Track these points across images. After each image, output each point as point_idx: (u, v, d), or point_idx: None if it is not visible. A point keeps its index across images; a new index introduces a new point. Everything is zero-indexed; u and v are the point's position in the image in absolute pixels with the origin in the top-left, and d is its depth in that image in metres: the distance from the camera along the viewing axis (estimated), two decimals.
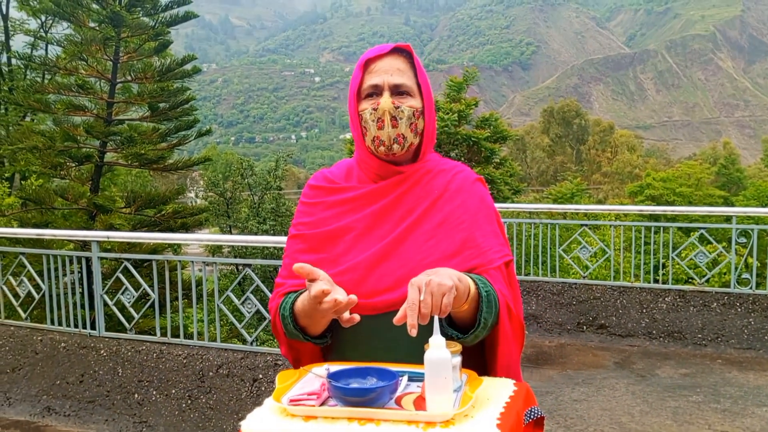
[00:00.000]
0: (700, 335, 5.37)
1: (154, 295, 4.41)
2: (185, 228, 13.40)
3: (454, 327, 1.49)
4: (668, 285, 5.76)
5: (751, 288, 5.38)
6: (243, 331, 4.27)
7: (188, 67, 12.46)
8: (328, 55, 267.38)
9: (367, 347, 1.57)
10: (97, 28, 11.63)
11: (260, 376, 4.01)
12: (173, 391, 4.17)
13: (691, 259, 5.78)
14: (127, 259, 4.55)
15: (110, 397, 4.30)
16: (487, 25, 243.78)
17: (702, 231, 5.64)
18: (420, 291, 1.30)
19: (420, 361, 1.50)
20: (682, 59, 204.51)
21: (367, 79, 1.59)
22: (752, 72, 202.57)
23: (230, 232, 22.93)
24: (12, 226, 10.19)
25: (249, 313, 4.18)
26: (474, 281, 1.44)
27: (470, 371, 1.46)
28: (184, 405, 4.11)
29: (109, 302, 4.58)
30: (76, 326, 4.70)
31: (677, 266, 5.94)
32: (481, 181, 1.69)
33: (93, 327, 4.62)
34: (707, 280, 5.65)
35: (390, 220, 1.60)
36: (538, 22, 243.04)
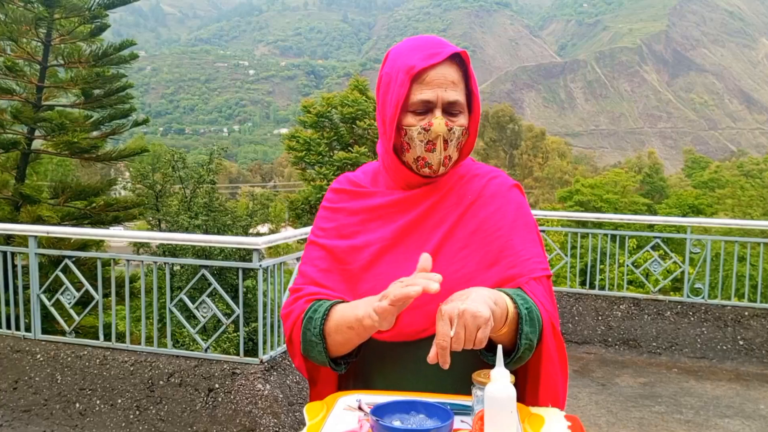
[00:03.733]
0: (654, 344, 5.41)
1: (98, 297, 4.07)
2: (117, 222, 12.79)
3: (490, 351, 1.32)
4: (623, 293, 5.80)
5: (703, 298, 5.46)
6: (197, 337, 3.99)
7: (125, 53, 11.89)
8: (264, 48, 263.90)
9: (396, 375, 1.40)
10: (28, 7, 10.92)
11: (216, 385, 3.74)
12: (119, 401, 3.85)
13: (645, 267, 5.84)
14: (69, 257, 4.19)
15: (48, 406, 3.94)
16: (424, 27, 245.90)
17: (657, 240, 5.70)
18: (451, 323, 1.13)
19: (453, 389, 1.34)
20: (610, 70, 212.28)
21: (417, 92, 1.37)
22: (675, 85, 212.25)
23: (159, 226, 22.13)
24: None
25: (204, 317, 3.91)
26: (512, 299, 1.28)
27: (519, 404, 1.30)
28: (131, 416, 3.80)
29: (47, 303, 4.20)
30: (8, 327, 4.30)
31: (615, 271, 6.03)
32: (518, 187, 1.52)
33: (28, 329, 4.23)
34: (660, 289, 5.72)
35: (420, 232, 1.43)
36: (474, 27, 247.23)
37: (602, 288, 6.04)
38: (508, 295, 1.28)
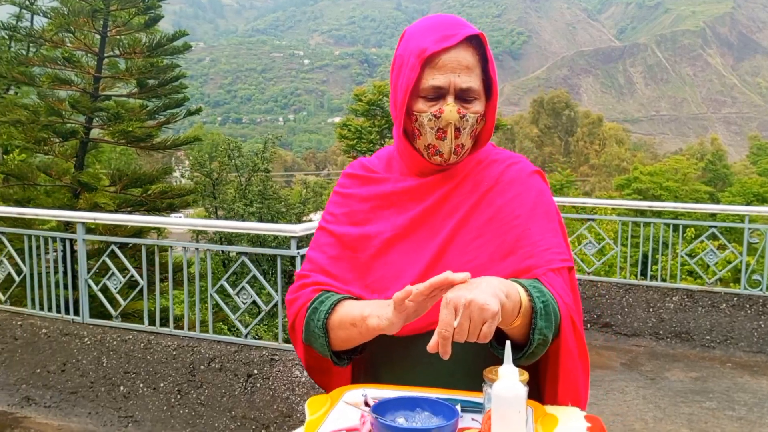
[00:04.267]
0: (708, 337, 5.20)
1: (142, 282, 4.15)
2: (172, 209, 13.08)
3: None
4: (676, 284, 5.58)
5: (761, 290, 5.21)
6: (238, 323, 4.03)
7: (179, 43, 12.08)
8: (318, 37, 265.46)
9: (404, 370, 1.35)
10: (87, 0, 11.21)
11: (255, 371, 3.77)
12: (161, 385, 3.93)
13: (700, 257, 5.60)
14: (115, 243, 4.28)
15: (94, 388, 4.05)
16: (478, 13, 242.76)
17: (713, 230, 5.46)
18: (456, 312, 1.06)
19: (465, 385, 1.28)
20: (672, 54, 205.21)
21: (428, 77, 1.30)
22: (740, 69, 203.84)
23: (216, 213, 22.61)
24: None
25: (244, 303, 3.93)
26: (527, 290, 1.20)
27: (534, 403, 1.23)
28: (173, 400, 3.87)
29: (95, 287, 4.31)
30: (58, 311, 4.43)
31: (668, 262, 5.78)
32: (540, 174, 1.44)
33: (76, 312, 4.35)
34: (718, 280, 5.48)
35: (433, 221, 1.36)
36: (530, 12, 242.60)
37: (656, 279, 5.84)
38: (522, 286, 1.21)
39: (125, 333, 4.17)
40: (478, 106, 1.33)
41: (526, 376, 1.14)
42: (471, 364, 1.28)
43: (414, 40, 1.32)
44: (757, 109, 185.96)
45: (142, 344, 4.08)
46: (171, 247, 4.39)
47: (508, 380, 1.06)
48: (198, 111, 13.02)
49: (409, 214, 1.37)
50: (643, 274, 5.87)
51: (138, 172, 11.91)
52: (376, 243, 1.37)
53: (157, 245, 4.48)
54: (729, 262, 5.97)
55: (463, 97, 1.31)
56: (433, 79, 1.29)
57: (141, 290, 4.27)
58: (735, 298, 5.26)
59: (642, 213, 7.58)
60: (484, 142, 1.39)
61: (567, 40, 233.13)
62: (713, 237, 5.52)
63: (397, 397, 1.17)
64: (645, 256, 5.89)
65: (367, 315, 1.21)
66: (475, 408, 1.22)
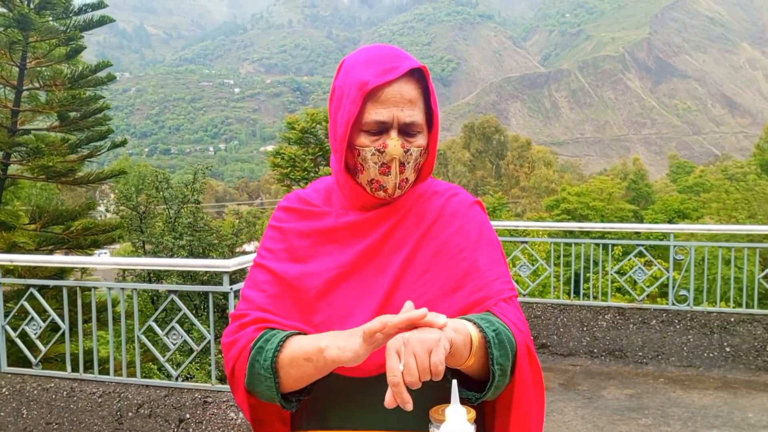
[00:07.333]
0: (640, 353, 5.32)
1: (64, 326, 3.92)
2: (97, 245, 12.61)
3: (465, 384, 1.20)
4: (607, 302, 5.71)
5: (688, 305, 5.38)
6: (167, 365, 3.85)
7: (102, 74, 11.75)
8: (249, 66, 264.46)
9: (353, 413, 1.28)
10: (2, 31, 10.79)
11: (187, 415, 3.60)
12: None
13: (630, 275, 5.75)
14: (34, 286, 4.05)
15: None
16: (409, 41, 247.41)
17: (640, 248, 5.62)
18: (399, 356, 1.02)
19: (416, 425, 1.23)
20: (594, 79, 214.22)
21: (371, 111, 1.25)
22: (658, 92, 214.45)
23: (143, 248, 21.91)
24: None
25: (174, 344, 3.77)
26: (476, 324, 1.16)
27: None
28: None
29: (12, 334, 4.05)
30: None
31: (599, 280, 5.93)
32: (479, 204, 1.42)
33: None
34: (647, 297, 5.63)
35: (379, 257, 1.31)
36: (458, 39, 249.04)
37: (588, 297, 5.95)
38: (470, 321, 1.17)
39: (46, 381, 3.92)
40: (421, 140, 1.30)
41: (473, 414, 1.10)
42: (421, 405, 1.23)
43: (354, 72, 1.28)
44: (675, 130, 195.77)
45: (65, 392, 3.85)
46: (93, 287, 4.18)
47: (456, 422, 1.02)
48: (123, 143, 12.65)
49: (353, 250, 1.32)
50: (576, 293, 5.98)
51: (60, 208, 11.45)
52: (319, 281, 1.30)
53: (80, 286, 4.26)
54: (656, 279, 6.16)
55: (406, 131, 1.27)
56: (376, 114, 1.25)
57: (63, 334, 4.04)
58: (664, 314, 5.41)
59: (571, 233, 7.75)
60: (427, 175, 1.36)
61: (495, 66, 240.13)
62: (640, 254, 5.69)
63: None
64: (576, 275, 6.02)
65: (324, 347, 1.14)
66: None
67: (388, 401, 1.02)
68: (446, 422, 1.02)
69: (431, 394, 1.20)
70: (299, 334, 1.24)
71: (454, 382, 1.04)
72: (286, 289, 1.31)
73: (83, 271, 13.19)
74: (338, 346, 1.12)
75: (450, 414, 1.02)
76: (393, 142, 1.26)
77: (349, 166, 1.32)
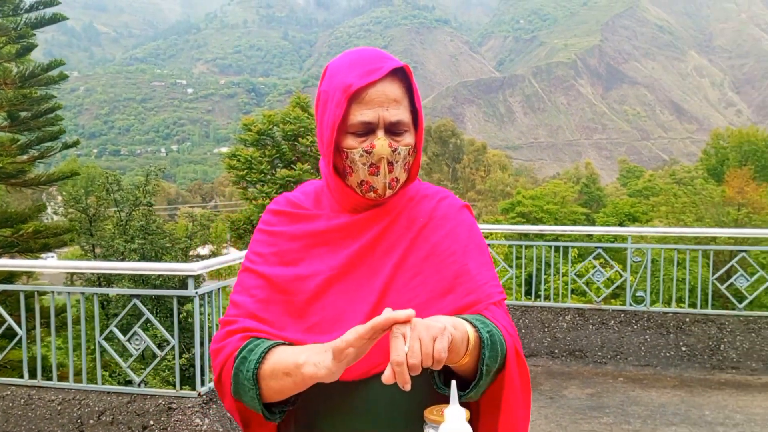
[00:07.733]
0: (600, 353, 5.43)
1: (21, 332, 3.80)
2: (47, 249, 12.26)
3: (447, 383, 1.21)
4: (567, 303, 5.82)
5: (645, 305, 5.52)
6: (129, 371, 3.77)
7: (54, 73, 11.45)
8: (202, 66, 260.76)
9: (343, 416, 1.27)
10: None
11: (151, 422, 3.53)
12: None
13: (588, 277, 5.87)
14: None
15: None
16: (365, 44, 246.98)
17: (599, 250, 5.75)
18: (405, 339, 1.03)
19: (406, 428, 1.23)
20: (547, 84, 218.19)
21: (356, 112, 1.26)
22: (609, 98, 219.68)
23: (93, 252, 21.35)
24: None
25: (137, 349, 3.69)
26: (472, 324, 1.18)
27: None
28: None
29: None
30: None
31: (559, 282, 6.05)
32: (468, 208, 1.44)
33: None
34: (603, 299, 5.76)
35: (371, 260, 1.32)
36: (415, 43, 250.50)
37: (547, 299, 6.06)
38: (467, 321, 1.19)
39: (2, 389, 3.80)
40: (408, 139, 1.30)
41: (468, 414, 1.11)
42: (410, 407, 1.23)
43: (338, 75, 1.29)
44: (625, 135, 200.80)
45: (23, 400, 3.73)
46: (52, 291, 4.06)
47: (456, 422, 1.02)
48: (76, 143, 12.38)
49: (345, 252, 1.32)
50: (532, 294, 6.06)
51: (7, 211, 11.09)
52: (311, 284, 1.30)
53: (37, 291, 4.13)
54: (612, 281, 6.31)
55: (392, 130, 1.28)
56: (362, 115, 1.26)
57: (18, 340, 3.91)
58: (622, 315, 5.54)
59: (526, 236, 7.88)
60: (416, 174, 1.37)
61: (451, 71, 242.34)
62: (598, 257, 5.81)
63: None
64: (530, 276, 6.11)
65: (302, 363, 1.13)
66: None
67: (387, 377, 1.02)
68: (446, 422, 1.02)
69: (415, 397, 1.21)
70: (283, 344, 1.24)
71: (453, 383, 1.05)
72: (276, 293, 1.31)
73: (29, 275, 12.82)
74: (314, 362, 1.12)
75: (450, 414, 1.03)
76: (380, 142, 1.27)
77: (339, 169, 1.33)
